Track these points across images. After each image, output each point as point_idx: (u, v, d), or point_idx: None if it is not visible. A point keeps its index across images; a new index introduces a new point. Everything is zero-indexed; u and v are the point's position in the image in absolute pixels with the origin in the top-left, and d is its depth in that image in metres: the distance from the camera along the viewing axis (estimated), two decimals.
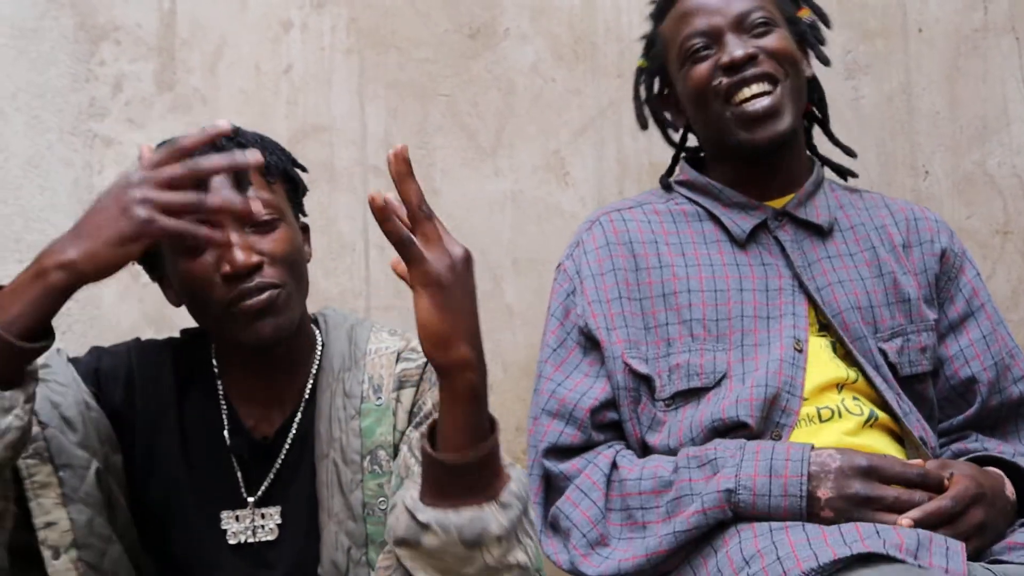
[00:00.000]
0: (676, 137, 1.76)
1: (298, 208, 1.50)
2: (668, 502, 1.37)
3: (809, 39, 1.66)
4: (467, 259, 1.12)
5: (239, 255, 1.32)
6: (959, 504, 1.27)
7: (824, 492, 1.28)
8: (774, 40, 1.55)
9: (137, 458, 1.43)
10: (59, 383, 1.36)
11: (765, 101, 1.52)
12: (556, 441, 1.49)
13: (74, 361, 1.44)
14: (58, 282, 1.12)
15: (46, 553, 1.27)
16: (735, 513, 1.31)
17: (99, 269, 1.13)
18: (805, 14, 1.68)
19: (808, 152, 1.68)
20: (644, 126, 1.75)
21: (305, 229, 1.51)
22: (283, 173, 1.45)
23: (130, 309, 2.08)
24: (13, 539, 1.26)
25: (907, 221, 1.62)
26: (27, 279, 1.13)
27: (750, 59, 1.52)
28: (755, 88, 1.52)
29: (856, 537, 1.17)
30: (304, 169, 1.54)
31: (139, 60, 2.12)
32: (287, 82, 2.13)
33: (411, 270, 1.09)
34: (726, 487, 1.31)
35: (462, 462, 1.10)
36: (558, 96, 2.15)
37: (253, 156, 1.15)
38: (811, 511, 1.28)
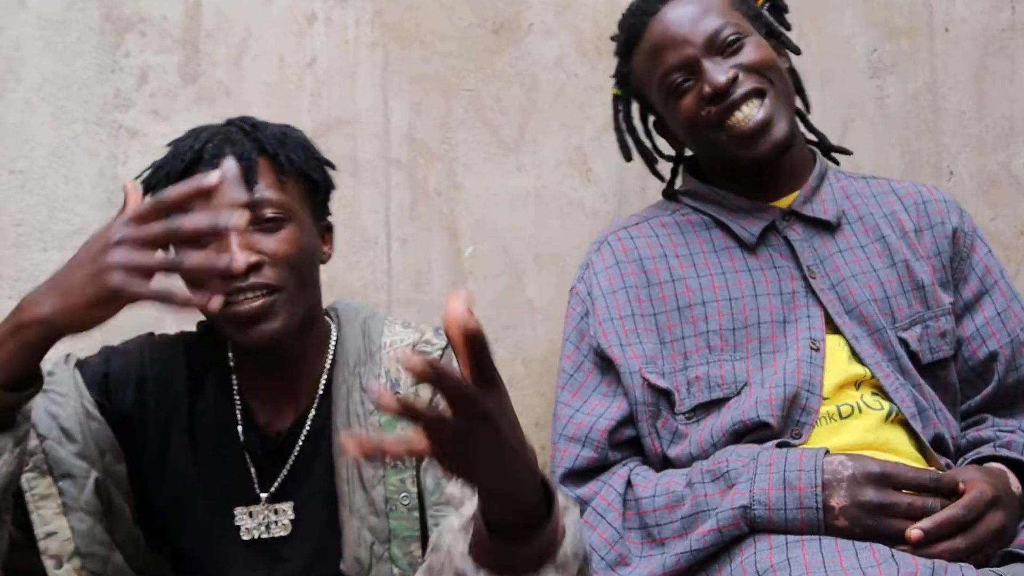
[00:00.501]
0: (665, 169, 1.75)
1: (319, 208, 1.47)
2: (683, 518, 1.36)
3: (775, 29, 1.64)
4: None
5: (238, 258, 1.30)
6: (972, 512, 1.26)
7: (837, 501, 1.27)
8: (750, 53, 1.53)
9: (149, 457, 1.43)
10: (59, 393, 1.36)
11: (757, 116, 1.51)
12: (572, 465, 1.48)
13: (83, 364, 1.43)
14: (34, 338, 1.12)
15: (48, 563, 1.28)
16: (751, 528, 1.30)
17: (75, 326, 1.13)
18: (760, 2, 1.67)
19: (809, 143, 1.67)
20: (628, 157, 1.75)
21: (328, 229, 1.50)
22: (299, 171, 1.42)
23: None
24: (11, 561, 1.26)
25: (916, 205, 1.61)
26: (6, 332, 1.12)
27: (731, 83, 1.50)
28: (745, 110, 1.51)
29: (872, 562, 1.16)
30: (331, 166, 1.52)
31: (164, 52, 2.12)
32: (311, 75, 2.13)
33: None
34: (741, 503, 1.30)
35: (519, 552, 1.02)
36: (581, 92, 2.14)
37: (238, 218, 1.11)
38: (826, 520, 1.27)
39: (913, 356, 1.49)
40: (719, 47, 1.52)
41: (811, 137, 1.71)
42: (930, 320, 1.51)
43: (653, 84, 1.58)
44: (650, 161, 1.75)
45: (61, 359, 1.41)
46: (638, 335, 1.51)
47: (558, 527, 1.06)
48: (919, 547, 1.23)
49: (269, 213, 1.35)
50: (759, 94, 1.51)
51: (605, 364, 1.52)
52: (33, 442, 1.28)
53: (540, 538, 1.02)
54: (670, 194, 1.68)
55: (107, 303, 1.10)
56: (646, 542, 1.41)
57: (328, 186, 1.50)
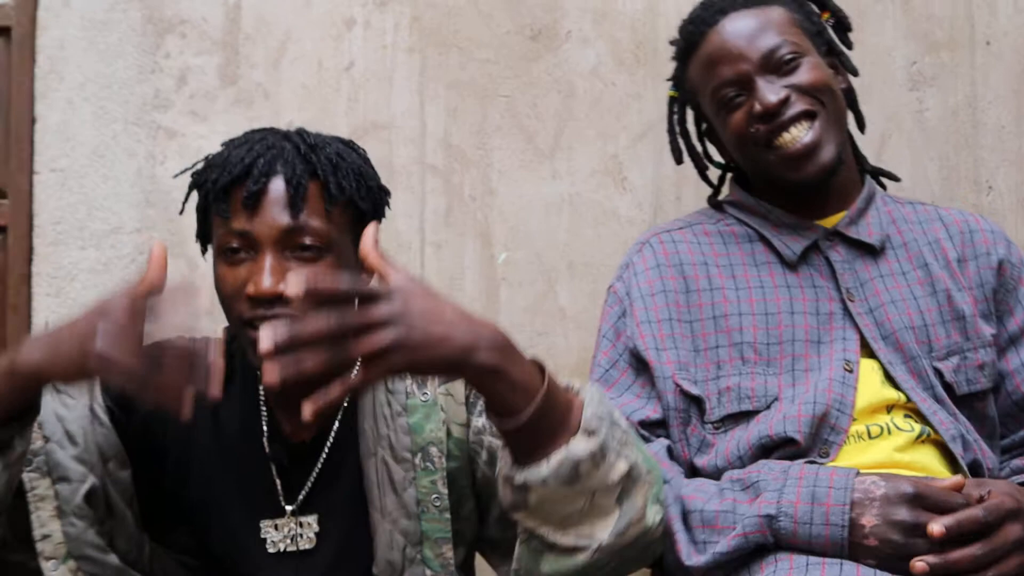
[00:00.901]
0: (714, 174, 1.74)
1: None
2: (710, 510, 1.36)
3: (836, 48, 1.63)
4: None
5: (266, 280, 1.29)
6: (991, 515, 1.24)
7: (869, 520, 1.25)
8: (805, 73, 1.51)
9: (171, 464, 1.43)
10: (70, 395, 1.36)
11: (805, 139, 1.49)
12: None
13: None
14: (23, 382, 1.15)
15: (45, 564, 1.28)
16: (775, 539, 1.29)
17: (65, 381, 1.17)
18: (826, 17, 1.65)
19: (857, 164, 1.66)
20: (679, 160, 1.74)
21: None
22: (348, 200, 1.38)
23: None
24: (4, 559, 1.29)
25: (962, 234, 1.59)
26: (3, 372, 1.15)
27: (782, 103, 1.49)
28: (794, 132, 1.49)
29: None
30: (386, 192, 1.48)
31: (204, 54, 2.14)
32: (348, 79, 2.14)
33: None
34: (767, 512, 1.29)
35: (523, 422, 1.10)
36: (618, 100, 2.14)
37: (213, 391, 1.11)
38: (854, 539, 1.25)
39: (948, 387, 1.47)
40: (774, 65, 1.51)
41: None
42: (968, 351, 1.50)
43: (706, 94, 1.57)
44: (701, 166, 1.74)
45: None
46: (673, 340, 1.50)
47: (566, 397, 1.13)
48: (940, 547, 1.22)
49: (308, 241, 1.32)
50: (809, 116, 1.50)
51: (640, 366, 1.52)
52: (38, 443, 1.29)
53: (539, 407, 1.10)
54: (716, 203, 1.67)
55: (91, 377, 1.12)
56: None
57: (378, 215, 1.46)
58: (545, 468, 1.10)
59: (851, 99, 1.66)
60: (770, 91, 1.49)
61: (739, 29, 1.53)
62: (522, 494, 1.13)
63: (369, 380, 1.06)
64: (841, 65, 1.63)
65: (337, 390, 1.03)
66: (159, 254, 1.16)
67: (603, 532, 1.15)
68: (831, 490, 1.28)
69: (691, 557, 1.33)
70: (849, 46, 1.66)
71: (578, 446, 1.11)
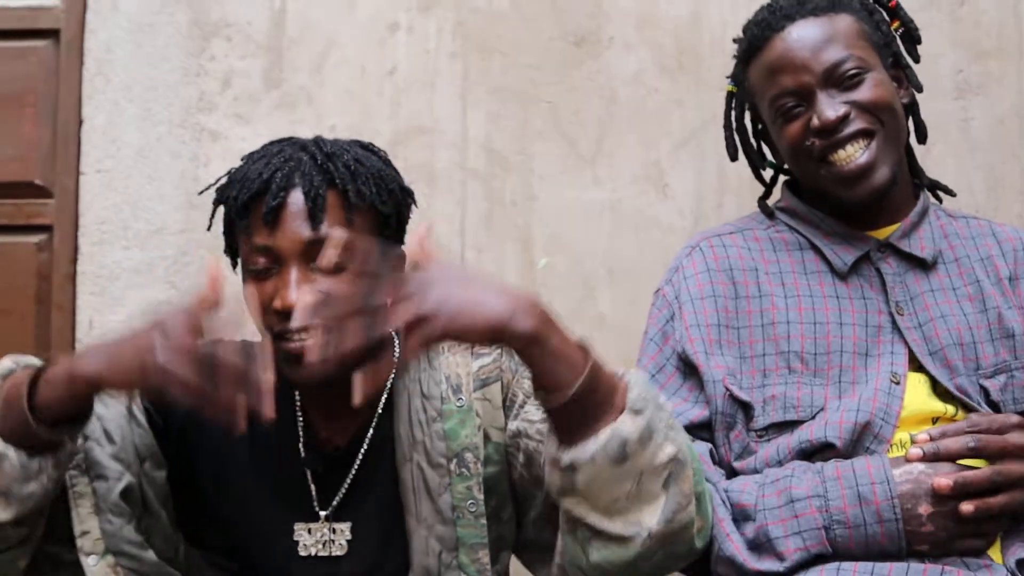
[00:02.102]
0: (767, 173, 1.73)
1: (390, 239, 1.43)
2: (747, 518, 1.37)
3: (902, 61, 1.59)
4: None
5: (292, 294, 1.29)
6: (994, 423, 1.32)
7: (925, 508, 1.27)
8: (867, 90, 1.48)
9: (207, 466, 1.44)
10: (109, 394, 1.38)
11: (861, 159, 1.47)
12: None
13: None
14: (84, 389, 1.18)
15: (86, 559, 1.30)
16: (833, 549, 1.30)
17: (121, 390, 1.21)
18: (896, 26, 1.62)
19: (913, 178, 1.64)
20: (734, 157, 1.72)
21: (399, 258, 1.48)
22: (369, 205, 1.37)
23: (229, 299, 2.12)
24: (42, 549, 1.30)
25: (1015, 252, 1.57)
26: (62, 376, 1.18)
27: (841, 120, 1.47)
28: (849, 149, 1.47)
29: None
30: (410, 194, 1.48)
31: (248, 57, 2.16)
32: (391, 83, 2.15)
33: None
34: (822, 524, 1.31)
35: (570, 396, 1.10)
36: (660, 107, 2.13)
37: (266, 411, 1.14)
38: (910, 527, 1.27)
39: (993, 405, 1.46)
40: (837, 79, 1.48)
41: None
42: (1016, 371, 1.48)
43: (765, 99, 1.56)
44: (755, 165, 1.72)
45: None
46: (721, 345, 1.49)
47: (611, 377, 1.14)
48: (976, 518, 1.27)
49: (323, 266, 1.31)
50: (867, 135, 1.47)
51: (688, 370, 1.51)
52: (78, 442, 1.30)
53: (585, 382, 1.10)
54: (767, 209, 1.65)
55: (147, 380, 1.15)
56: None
57: (401, 217, 1.45)
58: (593, 444, 1.11)
59: (913, 111, 1.63)
60: (830, 106, 1.47)
61: (805, 38, 1.50)
62: (570, 476, 1.13)
63: (411, 350, 1.06)
64: (906, 79, 1.59)
65: (382, 366, 1.05)
66: (215, 272, 1.19)
67: (651, 518, 1.14)
68: (874, 485, 1.28)
69: (752, 561, 1.34)
70: (916, 59, 1.63)
71: (625, 425, 1.11)
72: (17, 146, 2.19)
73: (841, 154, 1.47)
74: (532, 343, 1.09)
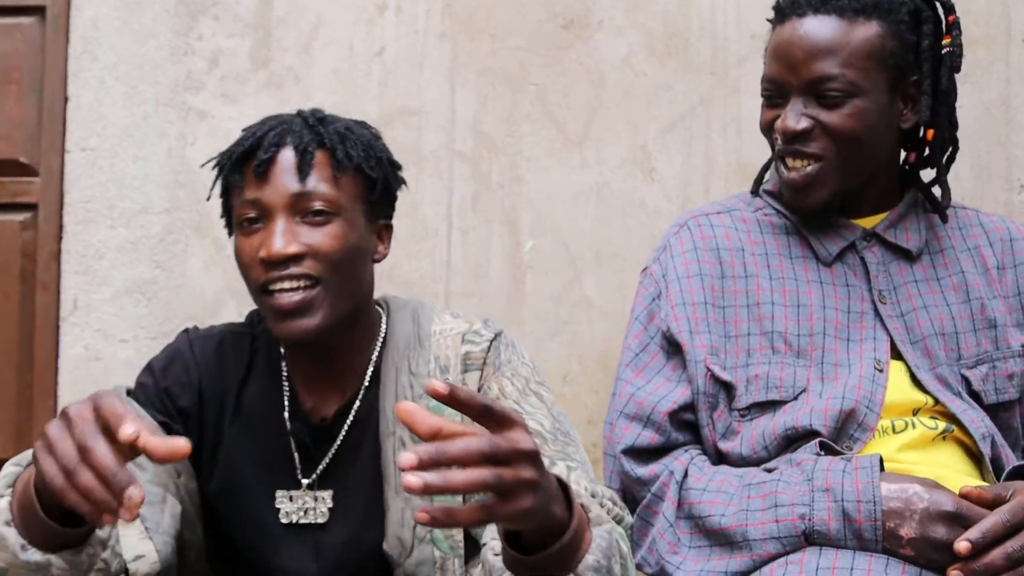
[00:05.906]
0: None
1: (376, 206, 1.45)
2: (727, 526, 1.37)
3: (926, 84, 1.49)
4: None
5: (277, 242, 1.32)
6: (1016, 516, 1.24)
7: (907, 532, 1.26)
8: (841, 117, 1.45)
9: (205, 449, 1.45)
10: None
11: (806, 170, 1.48)
12: (634, 443, 1.48)
13: (140, 387, 1.44)
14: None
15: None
16: (809, 542, 1.31)
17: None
18: (947, 41, 1.52)
19: (904, 177, 1.61)
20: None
21: (386, 228, 1.50)
22: (356, 167, 1.41)
23: (214, 279, 2.12)
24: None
25: (1002, 242, 1.57)
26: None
27: (803, 134, 1.46)
28: (798, 162, 1.48)
29: None
30: (398, 167, 1.50)
31: (236, 36, 2.15)
32: (379, 64, 2.15)
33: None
34: (801, 530, 1.31)
35: (539, 559, 1.05)
36: (648, 91, 2.13)
37: (133, 498, 0.92)
38: (890, 545, 1.26)
39: (974, 395, 1.47)
40: (818, 92, 1.46)
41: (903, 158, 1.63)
42: (998, 361, 1.49)
43: (763, 72, 1.55)
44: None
45: (122, 392, 1.42)
46: (707, 324, 1.50)
47: (584, 538, 1.08)
48: (968, 560, 1.22)
49: (318, 206, 1.35)
50: (818, 158, 1.47)
51: (672, 348, 1.52)
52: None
53: (560, 547, 1.03)
54: (756, 190, 1.64)
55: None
56: (694, 532, 1.41)
57: (388, 186, 1.47)
58: None
59: (912, 139, 1.57)
60: (796, 116, 1.46)
61: (809, 38, 1.47)
62: None
63: (499, 511, 0.96)
64: (919, 103, 1.52)
65: (468, 512, 0.94)
66: (173, 444, 0.95)
67: None
68: (860, 504, 1.28)
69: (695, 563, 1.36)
70: (951, 91, 1.53)
71: None
72: (2, 124, 2.18)
73: (791, 161, 1.49)
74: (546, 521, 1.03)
